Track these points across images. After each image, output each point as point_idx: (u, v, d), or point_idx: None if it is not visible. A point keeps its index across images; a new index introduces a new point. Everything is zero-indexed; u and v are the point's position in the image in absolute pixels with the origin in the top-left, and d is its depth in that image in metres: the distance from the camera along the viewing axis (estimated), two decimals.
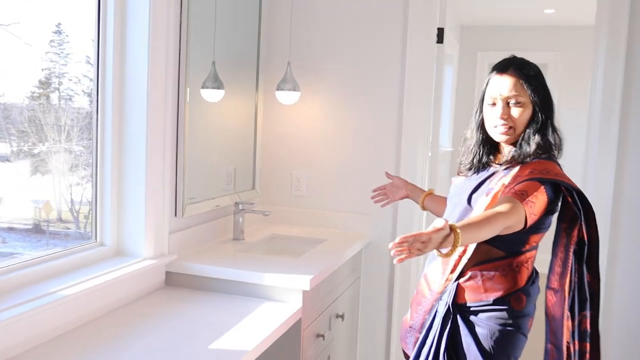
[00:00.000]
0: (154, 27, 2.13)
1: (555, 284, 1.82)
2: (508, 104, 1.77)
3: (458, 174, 2.00)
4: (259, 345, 1.77)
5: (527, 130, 1.78)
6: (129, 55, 2.14)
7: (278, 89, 2.87)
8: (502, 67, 1.80)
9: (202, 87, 2.53)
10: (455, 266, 1.78)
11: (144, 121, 2.14)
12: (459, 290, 1.79)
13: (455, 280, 1.79)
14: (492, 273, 1.76)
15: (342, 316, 2.66)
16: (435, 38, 2.87)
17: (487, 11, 5.39)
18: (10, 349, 1.61)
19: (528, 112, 1.77)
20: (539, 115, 1.77)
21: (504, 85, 1.77)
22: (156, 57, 2.15)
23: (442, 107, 3.20)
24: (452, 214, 1.88)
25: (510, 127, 1.78)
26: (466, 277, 1.78)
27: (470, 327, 1.77)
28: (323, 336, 2.38)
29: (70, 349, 1.69)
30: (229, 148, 2.88)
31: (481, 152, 1.88)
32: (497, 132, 1.81)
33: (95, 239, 2.17)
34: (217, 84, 2.59)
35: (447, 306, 1.79)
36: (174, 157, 2.33)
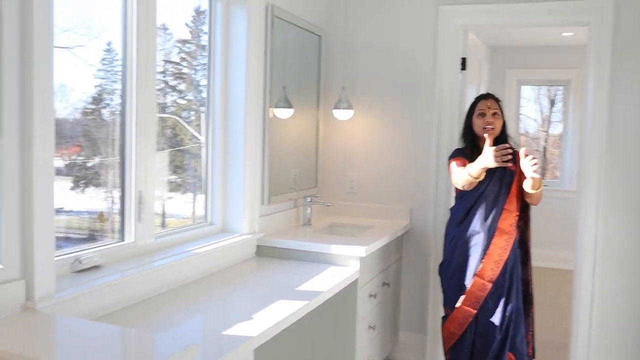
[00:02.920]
0: (249, 65, 2.93)
1: None
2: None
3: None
4: (331, 289, 2.52)
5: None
6: (232, 85, 2.94)
7: (335, 108, 3.64)
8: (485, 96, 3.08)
9: (275, 107, 3.27)
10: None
11: (242, 135, 2.93)
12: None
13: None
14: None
15: (388, 284, 3.39)
16: (460, 66, 3.60)
17: (512, 34, 6.03)
18: (165, 286, 2.38)
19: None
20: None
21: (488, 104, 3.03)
22: (250, 85, 2.95)
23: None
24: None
25: (492, 128, 2.99)
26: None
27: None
28: (375, 295, 3.12)
29: (200, 291, 2.43)
30: (295, 155, 3.63)
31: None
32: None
33: (207, 219, 2.97)
34: (287, 104, 3.33)
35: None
36: (261, 161, 3.11)
